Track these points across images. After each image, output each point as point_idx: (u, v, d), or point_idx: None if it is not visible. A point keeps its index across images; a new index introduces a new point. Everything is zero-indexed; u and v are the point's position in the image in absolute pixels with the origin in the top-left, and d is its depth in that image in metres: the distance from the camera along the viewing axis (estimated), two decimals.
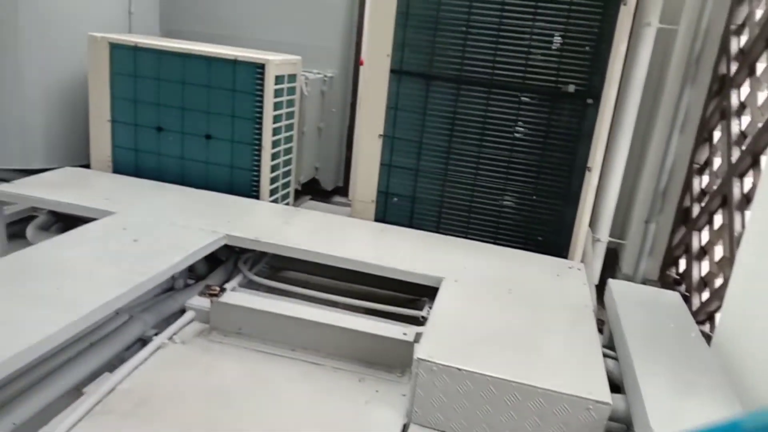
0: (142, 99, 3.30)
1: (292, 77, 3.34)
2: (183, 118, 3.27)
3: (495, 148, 3.00)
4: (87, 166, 3.46)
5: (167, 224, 2.67)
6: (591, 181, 2.93)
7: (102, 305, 1.92)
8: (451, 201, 3.12)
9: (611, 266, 3.74)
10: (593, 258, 3.38)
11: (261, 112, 3.14)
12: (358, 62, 4.12)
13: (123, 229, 2.56)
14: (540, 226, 3.04)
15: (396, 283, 2.58)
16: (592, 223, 3.31)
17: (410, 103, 3.05)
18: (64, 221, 3.01)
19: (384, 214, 3.21)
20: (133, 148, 3.39)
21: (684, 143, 3.45)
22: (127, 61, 3.27)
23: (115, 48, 3.27)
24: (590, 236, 3.30)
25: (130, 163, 3.40)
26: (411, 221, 3.18)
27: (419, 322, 2.40)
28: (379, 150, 3.14)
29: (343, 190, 4.42)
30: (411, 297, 2.76)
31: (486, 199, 3.08)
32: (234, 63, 3.13)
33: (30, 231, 2.97)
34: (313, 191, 4.20)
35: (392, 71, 3.03)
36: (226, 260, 2.89)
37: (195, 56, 3.18)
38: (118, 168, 3.42)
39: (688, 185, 3.48)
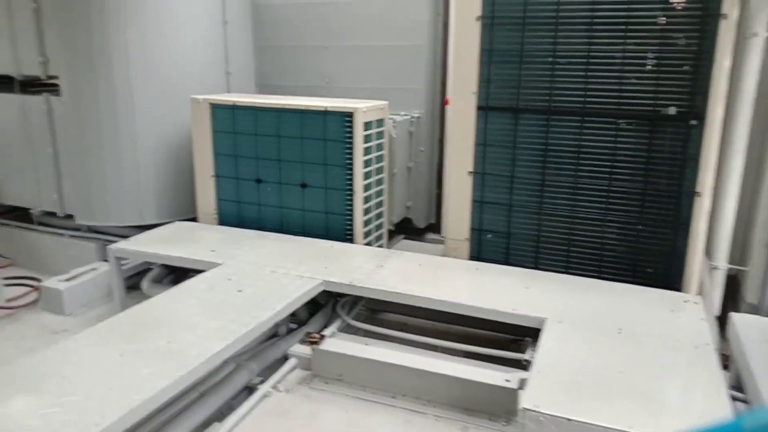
0: (241, 153, 3.49)
1: (380, 122, 3.41)
2: (280, 169, 3.42)
3: (592, 178, 2.88)
4: (194, 219, 3.68)
5: (269, 272, 2.77)
6: (702, 206, 2.72)
7: (210, 357, 2.01)
8: (548, 235, 3.01)
9: (732, 295, 3.43)
10: (712, 288, 3.11)
11: (351, 159, 3.22)
12: (443, 100, 4.14)
13: (228, 279, 2.68)
14: (648, 256, 2.86)
15: (496, 322, 2.51)
16: (708, 250, 3.06)
17: (499, 137, 3.01)
18: (176, 272, 3.21)
19: (479, 252, 3.15)
20: (235, 200, 3.57)
21: None
22: (226, 119, 3.48)
23: (216, 108, 3.50)
24: (706, 264, 3.05)
25: (233, 214, 3.59)
26: (507, 258, 3.10)
27: (522, 365, 2.31)
28: (470, 187, 3.10)
29: (435, 226, 4.41)
30: (512, 338, 2.67)
31: (586, 231, 2.94)
32: (324, 114, 3.24)
33: (145, 284, 3.19)
34: (406, 230, 4.21)
35: (479, 108, 3.01)
36: (325, 304, 2.94)
37: (288, 110, 3.33)
38: (223, 219, 3.61)
39: None
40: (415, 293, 2.57)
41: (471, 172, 3.09)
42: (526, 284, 2.72)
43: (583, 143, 2.85)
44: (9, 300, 3.28)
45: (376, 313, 3.01)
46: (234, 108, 3.45)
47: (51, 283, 3.31)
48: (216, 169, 3.57)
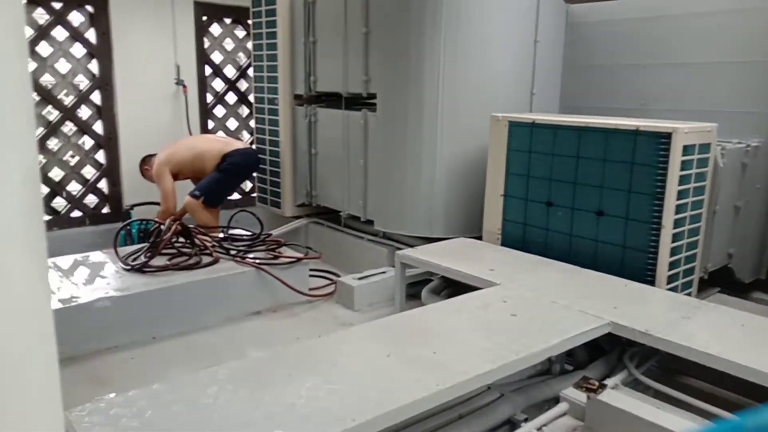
0: (534, 174, 3.31)
1: (704, 147, 2.86)
2: (574, 193, 3.13)
3: None
4: (479, 237, 3.62)
5: (548, 302, 2.52)
6: None
7: (474, 377, 1.87)
8: None
9: None
10: None
11: (663, 187, 2.76)
12: None
13: (503, 301, 2.51)
14: None
15: None
16: None
17: None
18: (454, 287, 3.17)
19: None
20: (522, 222, 3.40)
21: None
22: (523, 137, 3.34)
23: (514, 126, 3.39)
24: None
25: (517, 237, 3.42)
26: None
27: None
28: None
29: (764, 284, 3.55)
30: None
31: None
32: (635, 134, 2.86)
33: (424, 293, 3.23)
34: (723, 282, 3.47)
35: None
36: (610, 351, 2.55)
37: (591, 129, 3.03)
38: (507, 241, 3.47)
39: None
40: (734, 359, 2.02)
41: None
42: None
43: None
44: (311, 289, 3.66)
45: (672, 374, 2.50)
46: (532, 126, 3.29)
47: (346, 279, 3.60)
48: (506, 189, 3.45)
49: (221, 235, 3.87)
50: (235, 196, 6.13)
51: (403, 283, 3.29)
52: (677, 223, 2.80)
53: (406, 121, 3.83)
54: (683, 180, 2.76)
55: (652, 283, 2.82)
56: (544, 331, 2.22)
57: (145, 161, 5.14)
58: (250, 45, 5.26)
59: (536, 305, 2.47)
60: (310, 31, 4.47)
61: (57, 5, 5.03)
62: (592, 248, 3.08)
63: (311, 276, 3.78)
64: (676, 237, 2.81)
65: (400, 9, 3.76)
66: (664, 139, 2.74)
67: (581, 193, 3.10)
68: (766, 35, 3.35)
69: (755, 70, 3.40)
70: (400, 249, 3.82)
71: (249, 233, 3.92)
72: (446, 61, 3.67)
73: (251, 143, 5.44)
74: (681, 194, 2.77)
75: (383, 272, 3.71)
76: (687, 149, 2.75)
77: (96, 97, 5.36)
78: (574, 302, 2.51)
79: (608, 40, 4.03)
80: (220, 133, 6.15)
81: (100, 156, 5.49)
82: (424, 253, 3.22)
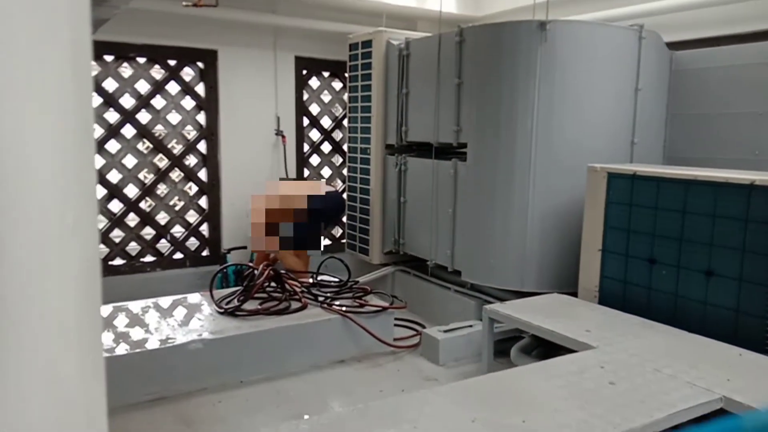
0: (635, 229, 3.12)
1: None
2: (680, 251, 2.91)
3: None
4: (574, 293, 3.44)
5: (651, 370, 2.32)
6: None
7: None
8: None
9: None
10: None
11: None
12: None
13: (600, 367, 2.33)
14: None
15: None
16: None
17: None
18: (546, 346, 3.01)
19: None
20: (621, 280, 3.20)
21: None
22: (623, 190, 3.17)
23: (613, 177, 3.23)
24: None
25: (617, 295, 3.21)
26: None
27: None
28: None
29: None
30: None
31: None
32: (750, 188, 2.63)
33: (513, 352, 3.08)
34: None
35: None
36: None
37: (699, 182, 2.82)
38: (604, 299, 3.27)
39: None
40: None
41: None
42: None
43: None
44: (396, 339, 3.61)
45: None
46: (633, 177, 3.12)
47: (432, 331, 3.52)
48: (604, 243, 3.27)
49: (310, 280, 3.93)
50: (326, 242, 6.26)
51: (490, 340, 3.16)
52: None
53: (496, 172, 3.77)
54: None
55: None
56: (646, 403, 2.03)
57: None
58: (346, 97, 5.44)
59: (637, 373, 2.28)
60: (403, 82, 4.56)
61: (172, 62, 5.46)
62: (700, 311, 2.83)
63: (396, 325, 3.73)
64: None
65: (493, 59, 3.75)
66: None
67: (688, 250, 2.88)
68: None
69: None
70: (488, 302, 3.71)
71: (337, 280, 3.96)
72: (540, 110, 3.60)
73: (342, 191, 5.55)
74: None
75: (470, 326, 3.59)
76: None
77: (202, 146, 5.72)
78: (680, 371, 2.29)
79: (718, 87, 3.79)
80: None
81: (203, 201, 5.81)
82: (514, 309, 3.08)
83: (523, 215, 3.69)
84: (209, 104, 5.66)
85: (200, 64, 5.61)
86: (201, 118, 5.69)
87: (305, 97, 6.22)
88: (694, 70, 3.91)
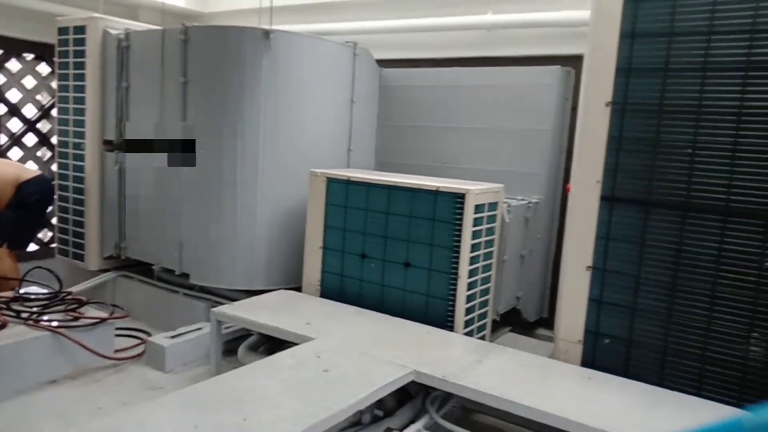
0: (350, 228, 3.47)
1: (493, 205, 3.25)
2: (385, 246, 3.35)
3: (735, 287, 2.48)
4: (300, 288, 3.68)
5: (359, 354, 2.64)
6: None
7: None
8: (677, 347, 2.61)
9: None
10: None
11: (459, 241, 3.07)
12: (565, 187, 3.90)
13: (317, 357, 2.58)
14: None
15: None
16: None
17: (625, 232, 2.72)
18: (273, 341, 3.17)
19: (593, 358, 2.80)
20: (339, 274, 3.54)
21: None
22: (340, 193, 3.51)
23: (331, 182, 3.55)
24: None
25: (335, 288, 3.54)
26: (626, 369, 2.72)
27: None
28: (588, 283, 2.81)
29: (547, 321, 4.07)
30: None
31: (724, 348, 2.51)
32: (435, 193, 3.15)
33: (241, 350, 3.18)
34: (513, 322, 3.92)
35: (603, 198, 2.76)
36: (415, 395, 2.73)
37: (399, 188, 3.28)
38: (326, 292, 3.57)
39: None
40: (514, 399, 2.30)
41: (590, 267, 2.81)
42: (649, 404, 2.34)
43: (725, 246, 2.49)
44: (117, 351, 3.41)
45: (470, 413, 2.75)
46: (348, 183, 3.48)
47: (157, 338, 3.41)
48: (325, 241, 3.58)
49: (10, 294, 3.47)
50: (32, 246, 5.51)
51: (219, 342, 3.21)
52: (471, 273, 3.12)
53: (221, 173, 3.80)
54: (475, 235, 3.10)
55: (451, 328, 3.10)
56: (353, 385, 2.32)
57: None
58: (55, 85, 4.85)
59: (348, 358, 2.58)
60: (123, 75, 4.28)
61: None
62: (401, 297, 3.30)
63: (119, 335, 3.53)
64: (470, 285, 3.13)
65: (219, 62, 3.77)
66: (459, 199, 3.07)
67: (391, 246, 3.33)
68: (547, 107, 3.91)
69: (539, 137, 3.94)
70: (218, 302, 3.75)
71: (46, 291, 3.56)
72: (267, 117, 3.75)
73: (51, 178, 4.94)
74: (474, 247, 3.11)
75: (199, 329, 3.58)
76: (478, 208, 3.10)
77: None
78: (383, 352, 2.66)
79: (418, 104, 4.40)
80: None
81: None
82: (240, 309, 3.18)
83: (251, 217, 3.81)
84: None
85: None
86: None
87: (2, 81, 5.38)
88: (398, 87, 4.49)
